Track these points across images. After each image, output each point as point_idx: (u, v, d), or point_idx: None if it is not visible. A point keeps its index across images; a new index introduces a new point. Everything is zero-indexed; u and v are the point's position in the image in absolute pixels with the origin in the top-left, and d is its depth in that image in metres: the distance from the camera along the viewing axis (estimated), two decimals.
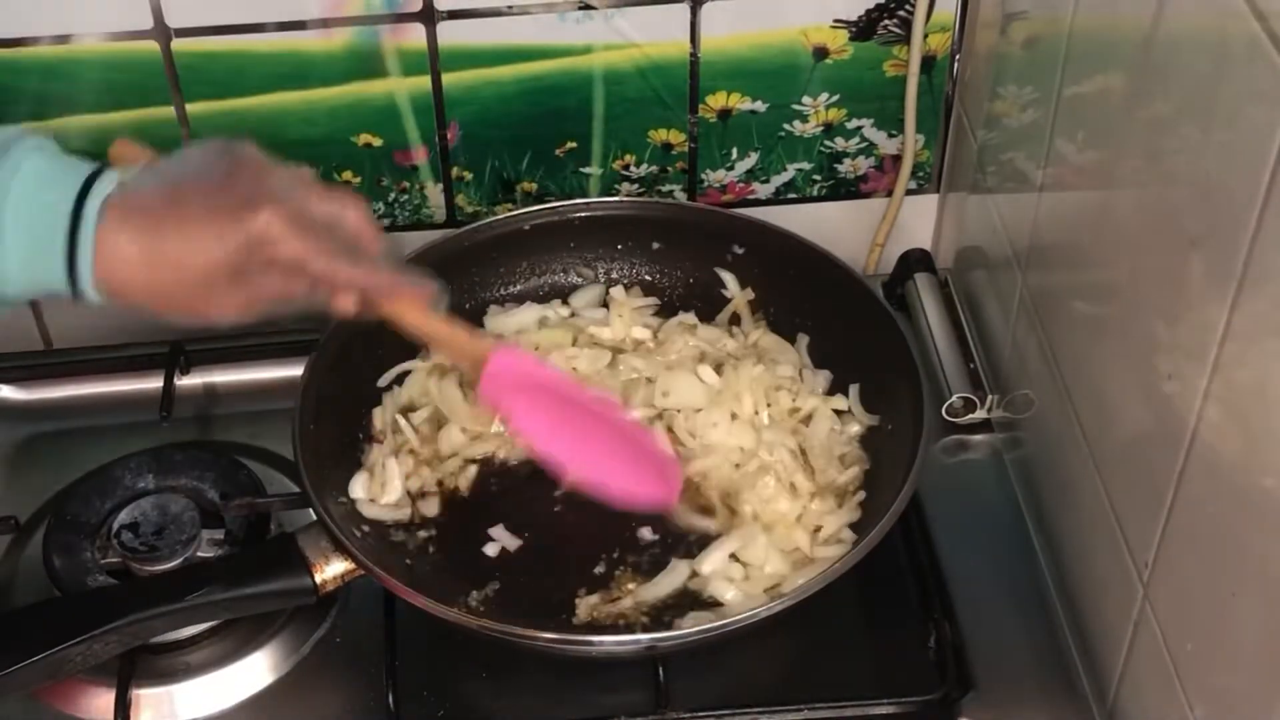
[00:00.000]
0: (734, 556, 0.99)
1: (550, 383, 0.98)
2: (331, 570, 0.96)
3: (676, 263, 1.20)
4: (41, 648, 0.91)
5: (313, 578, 0.96)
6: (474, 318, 1.17)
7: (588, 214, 1.18)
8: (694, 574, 0.99)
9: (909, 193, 1.27)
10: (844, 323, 1.12)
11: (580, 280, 1.20)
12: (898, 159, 1.24)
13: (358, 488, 1.05)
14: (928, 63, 1.19)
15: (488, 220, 1.18)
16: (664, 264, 1.20)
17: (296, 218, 0.83)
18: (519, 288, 1.20)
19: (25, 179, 0.80)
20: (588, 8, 1.13)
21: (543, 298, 1.19)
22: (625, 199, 1.24)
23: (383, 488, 1.05)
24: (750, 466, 1.04)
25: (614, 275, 1.20)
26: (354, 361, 1.10)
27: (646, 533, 1.03)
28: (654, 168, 1.24)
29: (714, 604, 0.98)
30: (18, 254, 0.79)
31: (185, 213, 0.82)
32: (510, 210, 1.21)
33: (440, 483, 1.07)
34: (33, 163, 0.80)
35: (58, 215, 0.80)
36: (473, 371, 0.96)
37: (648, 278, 1.20)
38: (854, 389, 1.09)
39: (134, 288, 0.82)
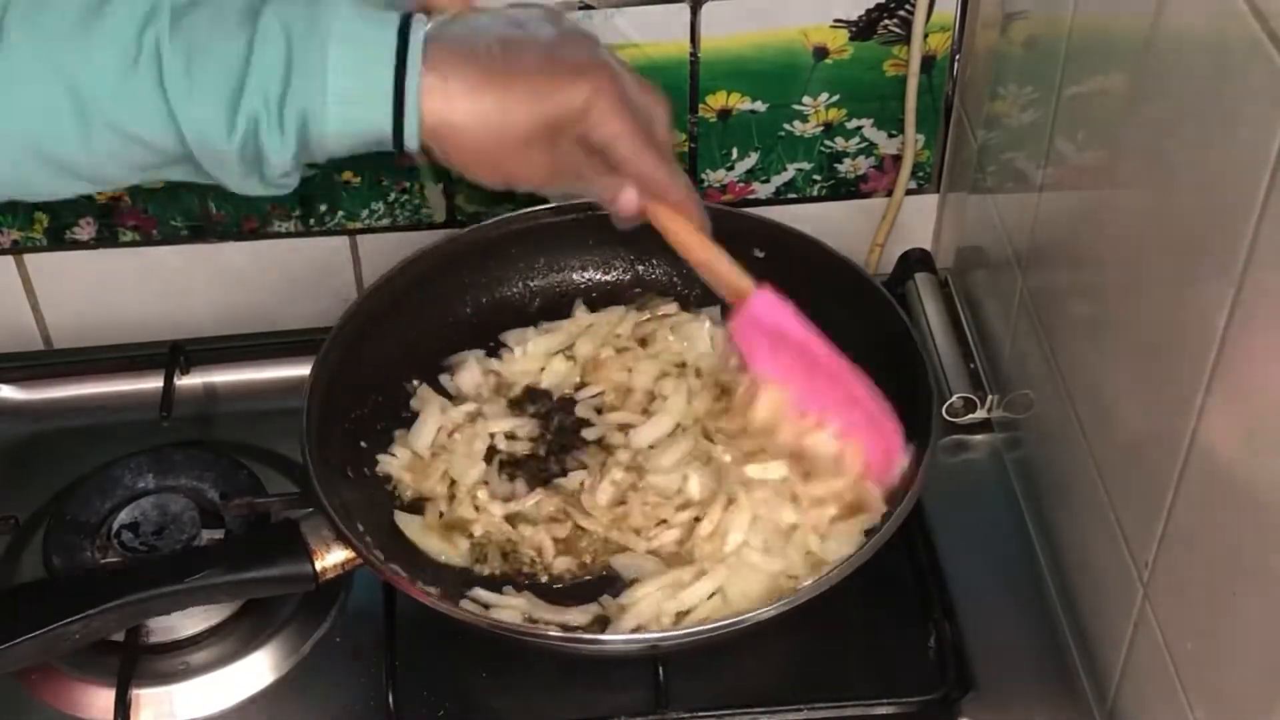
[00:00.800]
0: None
1: (800, 337, 0.98)
2: (332, 558, 0.96)
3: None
4: (41, 623, 0.91)
5: (313, 564, 0.96)
6: (478, 317, 1.17)
7: (606, 212, 1.18)
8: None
9: (909, 193, 1.27)
10: (858, 328, 1.11)
11: (588, 279, 1.20)
12: (898, 159, 1.24)
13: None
14: (928, 62, 1.19)
15: (505, 216, 1.17)
16: (683, 264, 1.19)
17: (622, 96, 0.83)
18: (536, 283, 1.20)
19: (347, 14, 0.77)
20: (587, 8, 1.13)
21: (556, 297, 1.20)
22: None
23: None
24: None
25: (631, 274, 1.20)
26: (367, 341, 1.10)
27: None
28: None
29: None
30: (340, 90, 0.76)
31: (517, 67, 0.80)
32: (510, 209, 1.21)
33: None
34: (350, 2, 0.77)
35: (382, 53, 0.77)
36: (730, 299, 0.97)
37: (664, 279, 1.20)
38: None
39: (456, 136, 0.79)
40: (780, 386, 0.99)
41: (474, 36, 0.80)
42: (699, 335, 1.15)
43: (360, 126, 0.78)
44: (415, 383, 1.13)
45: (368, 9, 0.78)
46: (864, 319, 1.10)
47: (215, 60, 0.75)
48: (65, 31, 0.75)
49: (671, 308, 1.18)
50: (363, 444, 1.08)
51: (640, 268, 1.21)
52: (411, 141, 0.79)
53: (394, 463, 1.08)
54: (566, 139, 0.82)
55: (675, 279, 1.20)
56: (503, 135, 0.80)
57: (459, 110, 0.79)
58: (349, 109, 0.77)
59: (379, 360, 1.12)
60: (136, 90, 0.75)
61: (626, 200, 0.88)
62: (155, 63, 0.75)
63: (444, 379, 1.14)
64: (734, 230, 1.16)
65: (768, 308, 0.97)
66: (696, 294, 1.18)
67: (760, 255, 1.16)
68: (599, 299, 1.20)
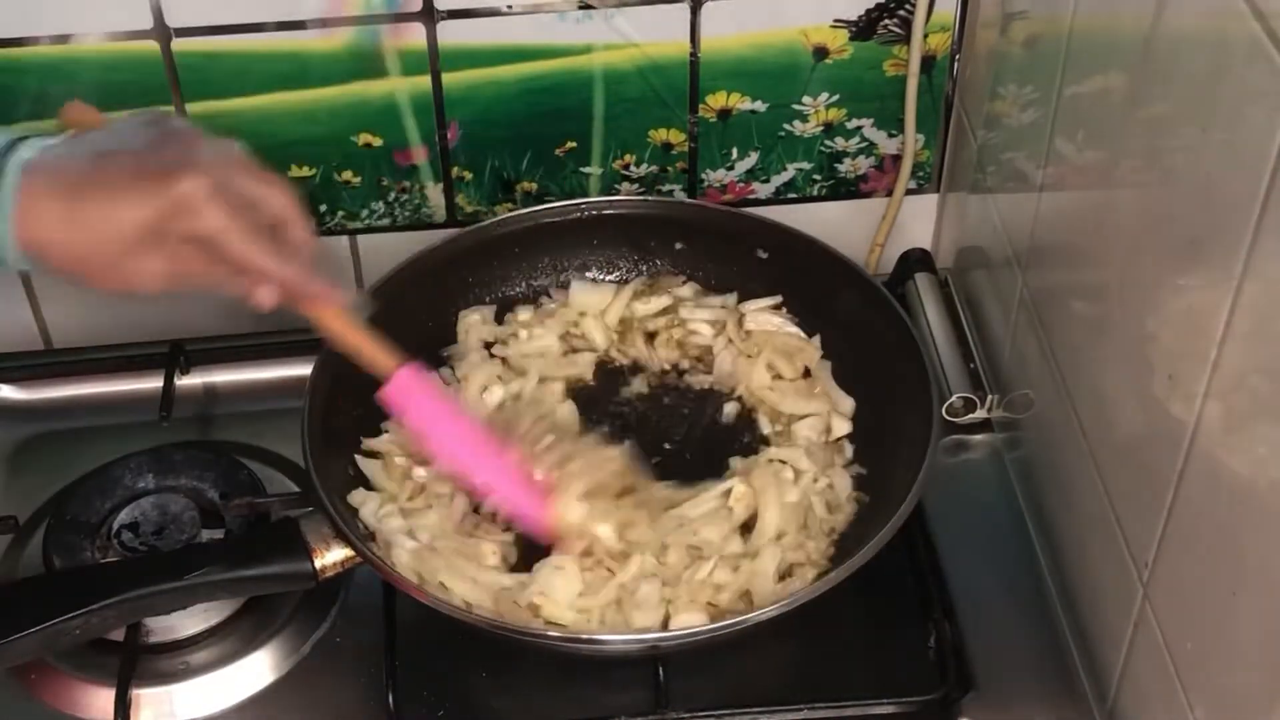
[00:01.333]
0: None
1: (445, 406, 1.02)
2: (332, 556, 0.96)
3: (699, 264, 1.19)
4: (38, 620, 0.91)
5: (313, 563, 0.96)
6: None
7: (611, 211, 1.18)
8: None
9: (909, 192, 1.27)
10: (858, 328, 1.11)
11: (592, 279, 1.20)
12: (898, 159, 1.24)
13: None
14: (928, 62, 1.19)
15: (506, 216, 1.18)
16: (686, 265, 1.20)
17: (220, 190, 0.83)
18: (539, 282, 1.20)
19: None
20: (588, 7, 1.13)
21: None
22: (649, 198, 1.24)
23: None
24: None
25: (634, 273, 1.20)
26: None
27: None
28: (654, 167, 1.24)
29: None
30: None
31: (107, 176, 0.82)
32: (511, 209, 1.21)
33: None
34: None
35: None
36: (381, 376, 0.99)
37: (669, 278, 1.20)
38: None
39: (54, 250, 0.82)
40: (436, 449, 1.02)
41: (70, 154, 0.83)
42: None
43: None
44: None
45: None
46: (865, 319, 1.10)
47: None
48: None
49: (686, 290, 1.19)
50: (363, 443, 1.08)
51: (644, 267, 1.21)
52: (15, 265, 0.82)
53: (384, 440, 1.08)
54: (173, 240, 0.83)
55: (679, 277, 1.20)
56: (99, 242, 0.82)
57: (51, 228, 0.81)
58: None
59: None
60: None
61: (259, 299, 0.89)
62: None
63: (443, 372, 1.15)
64: (735, 231, 1.17)
65: (411, 381, 0.99)
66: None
67: (763, 256, 1.17)
68: None
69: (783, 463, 1.05)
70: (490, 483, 1.00)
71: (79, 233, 0.82)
